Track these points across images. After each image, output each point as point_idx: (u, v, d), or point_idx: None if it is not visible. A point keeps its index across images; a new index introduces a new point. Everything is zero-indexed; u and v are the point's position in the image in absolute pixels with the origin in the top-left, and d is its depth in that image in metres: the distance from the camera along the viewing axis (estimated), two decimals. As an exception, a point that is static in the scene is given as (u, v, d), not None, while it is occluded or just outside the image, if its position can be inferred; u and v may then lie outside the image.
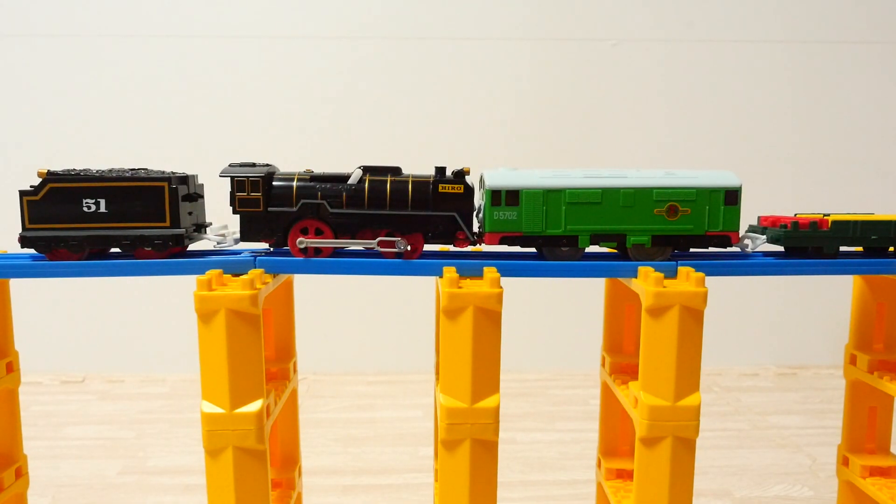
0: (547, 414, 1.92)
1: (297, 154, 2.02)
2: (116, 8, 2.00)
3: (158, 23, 2.02)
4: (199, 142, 2.06)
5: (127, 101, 2.06)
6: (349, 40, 2.08)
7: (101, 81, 2.03)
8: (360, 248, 0.93)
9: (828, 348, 2.28)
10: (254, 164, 0.94)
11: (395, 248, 0.93)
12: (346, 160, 1.72)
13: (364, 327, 2.19)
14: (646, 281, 0.87)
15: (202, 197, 0.98)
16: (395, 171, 0.97)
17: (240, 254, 0.97)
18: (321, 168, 1.01)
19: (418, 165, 1.18)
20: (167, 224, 0.90)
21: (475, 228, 0.96)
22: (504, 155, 2.08)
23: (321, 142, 2.11)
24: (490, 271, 0.88)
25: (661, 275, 0.86)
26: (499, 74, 2.17)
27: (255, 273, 0.87)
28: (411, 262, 0.93)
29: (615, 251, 0.97)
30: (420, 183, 0.95)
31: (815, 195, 2.12)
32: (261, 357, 0.82)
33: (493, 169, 0.96)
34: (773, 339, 2.32)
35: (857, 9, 2.08)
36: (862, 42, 2.04)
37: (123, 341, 2.25)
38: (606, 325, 1.13)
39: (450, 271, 0.88)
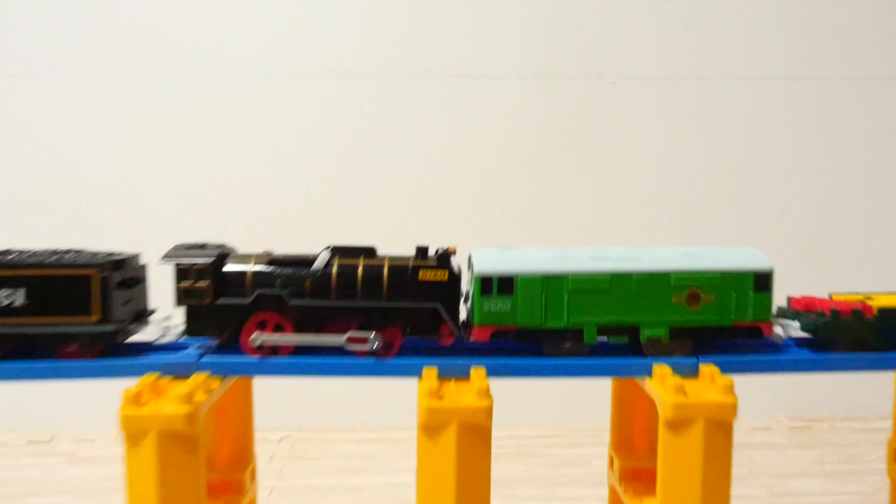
0: (546, 479, 1.76)
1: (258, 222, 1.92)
2: (92, 46, 1.94)
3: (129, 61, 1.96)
4: (169, 189, 1.99)
5: (94, 142, 1.98)
6: (330, 80, 2.03)
7: (74, 121, 1.98)
8: (329, 345, 0.82)
9: (842, 399, 2.09)
10: (203, 246, 0.84)
11: (366, 344, 0.83)
12: (316, 222, 1.55)
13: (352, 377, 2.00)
14: (663, 386, 0.78)
15: (143, 281, 0.87)
16: (369, 252, 0.88)
17: (185, 348, 0.87)
18: (288, 244, 0.94)
19: (401, 233, 1.04)
20: (96, 319, 0.79)
21: (463, 316, 0.87)
22: (499, 219, 1.89)
23: (293, 196, 1.99)
24: (478, 375, 0.80)
25: (681, 381, 0.77)
26: (495, 121, 2.06)
27: (197, 380, 0.77)
28: (386, 362, 0.84)
29: (626, 341, 0.88)
30: (397, 268, 0.85)
31: (842, 257, 1.92)
32: (199, 486, 0.73)
33: (482, 250, 0.87)
34: (784, 388, 2.12)
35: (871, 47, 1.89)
36: (873, 78, 1.85)
37: (95, 396, 2.04)
38: (615, 421, 1.02)
39: (430, 376, 0.80)
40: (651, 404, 0.97)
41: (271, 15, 1.95)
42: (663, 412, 0.75)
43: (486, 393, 0.76)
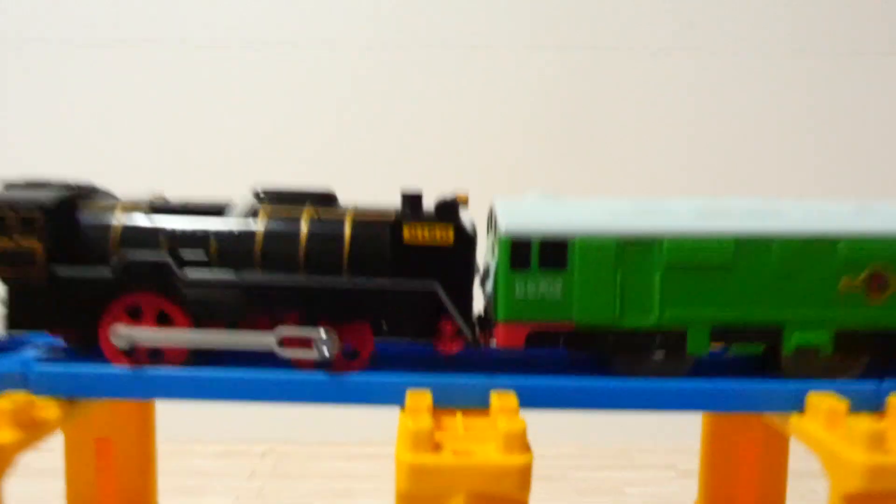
0: (571, 508, 1.59)
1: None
2: (83, 13, 1.84)
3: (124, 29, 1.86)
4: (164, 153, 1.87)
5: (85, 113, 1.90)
6: (334, 45, 1.91)
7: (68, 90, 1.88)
8: (249, 349, 0.59)
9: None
10: (46, 184, 0.61)
11: (312, 351, 0.58)
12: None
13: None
14: (834, 432, 0.55)
15: None
16: (325, 199, 0.63)
17: (15, 350, 0.64)
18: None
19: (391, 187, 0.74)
20: None
21: (479, 307, 0.63)
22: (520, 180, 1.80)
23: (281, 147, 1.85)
24: (504, 405, 0.57)
25: (873, 424, 0.53)
26: (509, 83, 1.94)
27: (13, 402, 0.54)
28: (346, 380, 0.59)
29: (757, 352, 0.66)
30: (368, 225, 0.61)
31: None
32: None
33: (512, 198, 0.64)
34: None
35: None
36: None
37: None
38: (705, 470, 0.82)
39: (417, 405, 0.56)
40: (760, 453, 0.79)
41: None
42: (845, 478, 0.53)
43: (520, 439, 0.52)
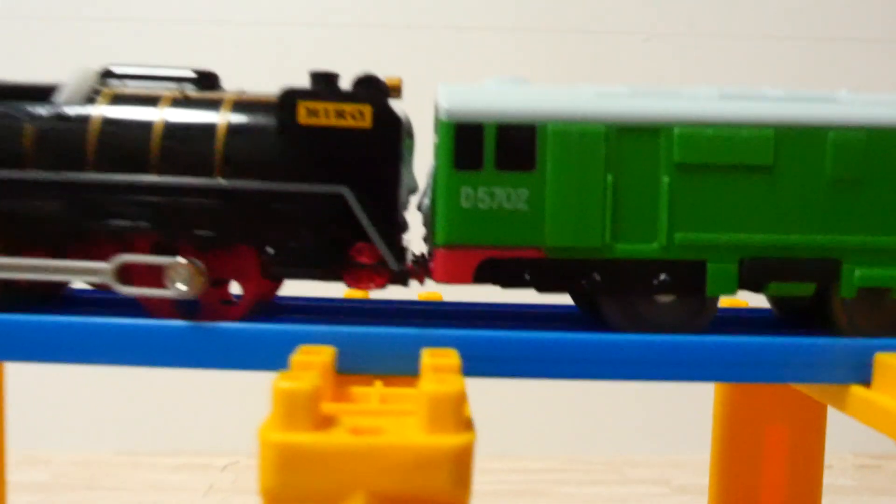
0: (557, 527, 1.46)
1: None
2: None
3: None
4: None
5: None
6: (317, 24, 1.76)
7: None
8: (79, 283, 0.47)
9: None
10: None
11: (168, 286, 0.43)
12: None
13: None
14: None
15: None
16: (202, 81, 0.47)
17: None
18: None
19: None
20: None
21: (407, 236, 0.48)
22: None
23: None
24: (441, 360, 0.40)
25: None
26: None
27: None
28: (212, 332, 0.43)
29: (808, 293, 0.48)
30: (251, 107, 0.45)
31: None
32: None
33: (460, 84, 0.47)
34: (848, 420, 1.69)
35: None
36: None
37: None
38: (719, 464, 0.68)
39: (307, 358, 0.40)
40: (805, 431, 0.66)
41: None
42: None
43: (454, 407, 0.34)
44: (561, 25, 1.77)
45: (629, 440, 1.60)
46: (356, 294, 0.57)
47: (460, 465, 0.33)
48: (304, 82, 0.54)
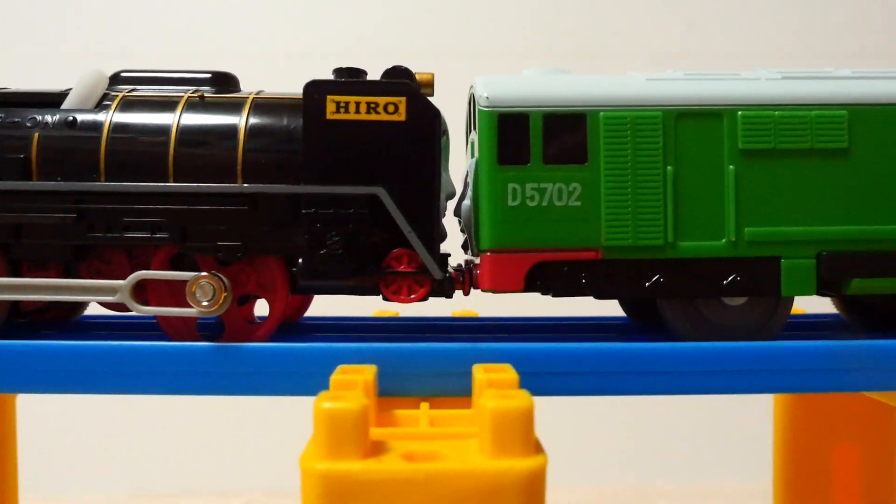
0: (586, 566, 1.49)
1: None
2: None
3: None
4: None
5: None
6: (328, 56, 1.73)
7: None
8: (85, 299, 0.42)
9: None
10: None
11: (190, 303, 0.38)
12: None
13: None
14: None
15: None
16: (219, 82, 0.43)
17: None
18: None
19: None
20: None
21: (444, 240, 0.43)
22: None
23: None
24: (497, 375, 0.37)
25: None
26: None
27: None
28: (242, 349, 0.39)
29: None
30: (274, 108, 0.41)
31: None
32: None
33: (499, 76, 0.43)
34: None
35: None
36: None
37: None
38: (783, 480, 0.61)
39: (348, 378, 0.36)
40: (878, 454, 0.58)
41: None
42: None
43: (523, 426, 0.30)
44: (569, 50, 1.84)
45: (657, 466, 1.56)
46: (386, 313, 0.53)
47: (532, 491, 0.30)
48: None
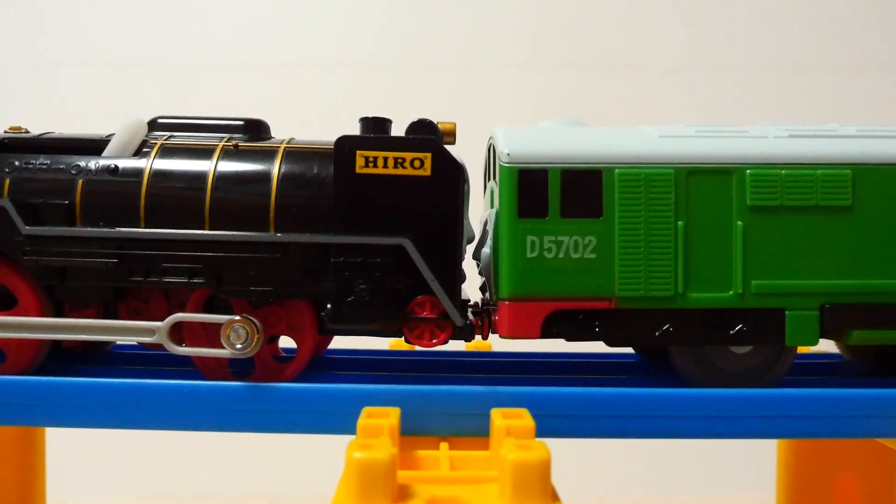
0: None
1: None
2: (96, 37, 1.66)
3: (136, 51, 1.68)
4: None
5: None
6: (331, 65, 1.74)
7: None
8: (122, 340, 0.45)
9: None
10: None
11: (224, 345, 0.40)
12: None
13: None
14: None
15: None
16: (251, 129, 0.46)
17: None
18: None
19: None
20: None
21: (465, 287, 0.45)
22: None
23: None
24: (514, 421, 0.38)
25: None
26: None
27: None
28: (274, 390, 0.41)
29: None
30: (305, 157, 0.44)
31: None
32: None
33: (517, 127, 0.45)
34: None
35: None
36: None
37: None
38: None
39: (375, 423, 0.38)
40: (878, 489, 0.58)
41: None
42: None
43: (540, 474, 0.32)
44: (576, 61, 1.75)
45: (665, 482, 1.56)
46: (400, 345, 0.55)
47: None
48: (340, 124, 0.52)
